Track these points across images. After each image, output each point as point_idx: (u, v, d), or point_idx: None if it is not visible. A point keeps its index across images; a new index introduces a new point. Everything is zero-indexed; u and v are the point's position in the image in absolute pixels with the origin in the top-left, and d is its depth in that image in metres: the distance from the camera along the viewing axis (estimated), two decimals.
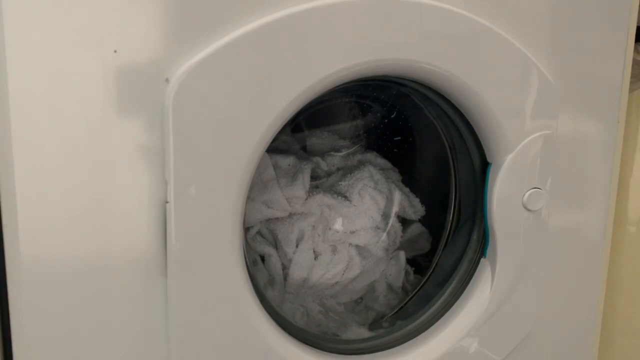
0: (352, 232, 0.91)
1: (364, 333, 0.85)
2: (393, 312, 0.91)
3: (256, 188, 0.85)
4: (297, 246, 0.89)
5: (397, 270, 0.95)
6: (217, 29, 0.61)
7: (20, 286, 0.61)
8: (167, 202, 0.62)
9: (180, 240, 0.63)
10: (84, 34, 0.57)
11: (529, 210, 0.75)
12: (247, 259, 0.70)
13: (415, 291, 0.91)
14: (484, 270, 0.79)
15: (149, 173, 0.62)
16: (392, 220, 0.94)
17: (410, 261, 0.97)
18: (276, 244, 0.89)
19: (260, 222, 0.89)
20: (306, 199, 0.89)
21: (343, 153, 1.00)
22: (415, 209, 0.96)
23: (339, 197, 0.91)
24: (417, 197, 0.96)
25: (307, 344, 0.75)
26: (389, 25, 0.66)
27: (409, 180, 0.98)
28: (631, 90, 0.84)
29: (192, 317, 0.66)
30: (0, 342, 0.68)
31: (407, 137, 1.00)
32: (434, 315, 0.81)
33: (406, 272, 0.96)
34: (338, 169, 0.98)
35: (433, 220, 0.95)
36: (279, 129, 0.65)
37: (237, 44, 0.61)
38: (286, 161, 0.91)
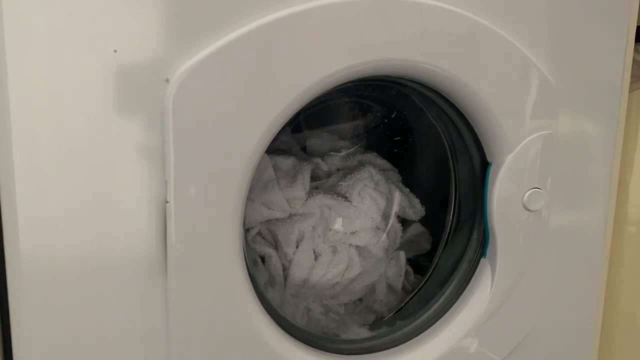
0: (352, 233, 0.91)
1: (364, 333, 0.85)
2: (393, 312, 0.91)
3: (256, 189, 0.85)
4: (297, 247, 0.89)
5: (397, 270, 0.95)
6: (217, 29, 0.61)
7: (20, 286, 0.61)
8: (167, 202, 0.62)
9: (180, 240, 0.63)
10: (84, 34, 0.57)
11: (529, 210, 0.75)
12: (247, 260, 0.70)
13: (415, 291, 0.91)
14: (484, 270, 0.79)
15: (149, 173, 0.62)
16: (392, 220, 0.94)
17: (410, 261, 0.97)
18: (276, 245, 0.89)
19: (261, 223, 0.89)
20: (306, 199, 0.89)
21: (343, 153, 1.00)
22: (416, 210, 0.96)
23: (339, 198, 0.91)
24: (417, 197, 0.96)
25: (307, 344, 0.75)
26: (389, 25, 0.66)
27: (409, 180, 0.98)
28: (631, 90, 0.84)
29: (192, 317, 0.66)
30: (0, 342, 0.68)
31: (407, 137, 1.00)
32: (434, 315, 0.81)
33: (406, 273, 0.96)
34: (338, 170, 0.98)
35: (433, 220, 0.96)
36: (279, 129, 0.65)
37: (237, 44, 0.61)
38: (286, 162, 0.91)
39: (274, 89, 0.63)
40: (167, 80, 0.60)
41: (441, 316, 0.80)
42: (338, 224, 0.91)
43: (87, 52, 0.58)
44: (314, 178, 0.95)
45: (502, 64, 0.71)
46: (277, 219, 0.88)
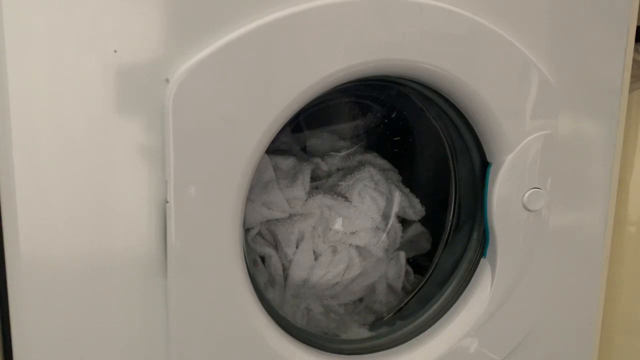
0: (352, 233, 0.91)
1: (364, 333, 0.85)
2: (393, 312, 0.91)
3: (256, 189, 0.85)
4: (297, 247, 0.89)
5: (397, 270, 0.95)
6: (217, 29, 0.61)
7: (20, 286, 0.61)
8: (167, 202, 0.62)
9: (180, 240, 0.63)
10: (84, 34, 0.57)
11: (529, 210, 0.75)
12: (247, 260, 0.70)
13: (415, 291, 0.91)
14: (484, 270, 0.79)
15: (149, 173, 0.62)
16: (392, 220, 0.94)
17: (410, 261, 0.97)
18: (276, 245, 0.89)
19: (261, 223, 0.89)
20: (306, 199, 0.89)
21: (343, 153, 1.00)
22: (415, 210, 0.96)
23: (339, 198, 0.91)
24: (417, 197, 0.96)
25: (307, 344, 0.75)
26: (389, 25, 0.66)
27: (409, 180, 0.98)
28: (631, 90, 0.84)
29: (192, 317, 0.66)
30: (1, 342, 0.68)
31: (407, 137, 1.00)
32: (434, 315, 0.81)
33: (406, 273, 0.96)
34: (338, 170, 0.98)
35: (433, 220, 0.95)
36: (279, 129, 0.65)
37: (237, 44, 0.61)
38: (286, 162, 0.91)
39: (274, 89, 0.63)
40: (167, 80, 0.60)
41: (441, 316, 0.80)
42: (338, 224, 0.91)
43: (87, 52, 0.58)
44: (314, 178, 0.95)
45: (502, 64, 0.71)
46: (277, 219, 0.88)
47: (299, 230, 0.89)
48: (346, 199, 0.92)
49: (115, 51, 0.58)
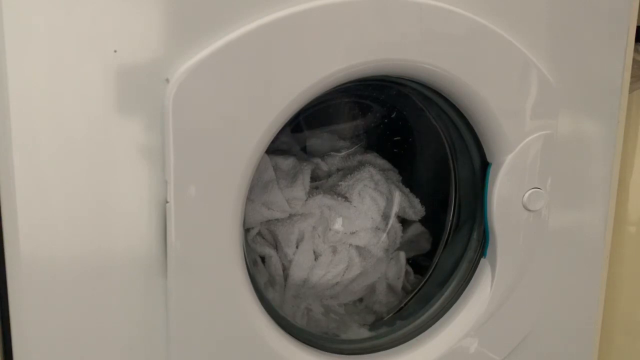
0: (352, 233, 0.91)
1: (364, 333, 0.85)
2: (393, 313, 0.91)
3: (256, 189, 0.85)
4: (297, 247, 0.89)
5: (397, 270, 0.95)
6: (217, 29, 0.61)
7: (20, 286, 0.61)
8: (167, 202, 0.62)
9: (180, 240, 0.63)
10: (84, 34, 0.57)
11: (529, 210, 0.75)
12: (247, 260, 0.70)
13: (415, 291, 0.91)
14: (484, 270, 0.79)
15: (149, 173, 0.62)
16: (392, 220, 0.94)
17: (410, 261, 0.97)
18: (276, 245, 0.89)
19: (261, 223, 0.89)
20: (306, 200, 0.89)
21: (343, 153, 1.00)
22: (416, 210, 0.96)
23: (339, 198, 0.91)
24: (417, 197, 0.96)
25: (307, 344, 0.75)
26: (389, 25, 0.66)
27: (409, 180, 0.98)
28: (631, 90, 0.84)
29: (192, 317, 0.66)
30: (1, 342, 0.68)
31: (407, 137, 1.00)
32: (433, 315, 0.81)
33: (406, 273, 0.96)
34: (338, 170, 0.98)
35: (433, 221, 0.95)
36: (279, 129, 0.65)
37: (237, 44, 0.61)
38: (286, 162, 0.91)
39: (274, 89, 0.63)
40: (167, 80, 0.60)
41: (441, 316, 0.80)
42: (338, 224, 0.91)
43: (87, 52, 0.58)
44: (314, 178, 0.95)
45: (502, 64, 0.71)
46: (277, 219, 0.88)
47: (299, 230, 0.89)
48: (346, 199, 0.92)
49: (115, 51, 0.58)
